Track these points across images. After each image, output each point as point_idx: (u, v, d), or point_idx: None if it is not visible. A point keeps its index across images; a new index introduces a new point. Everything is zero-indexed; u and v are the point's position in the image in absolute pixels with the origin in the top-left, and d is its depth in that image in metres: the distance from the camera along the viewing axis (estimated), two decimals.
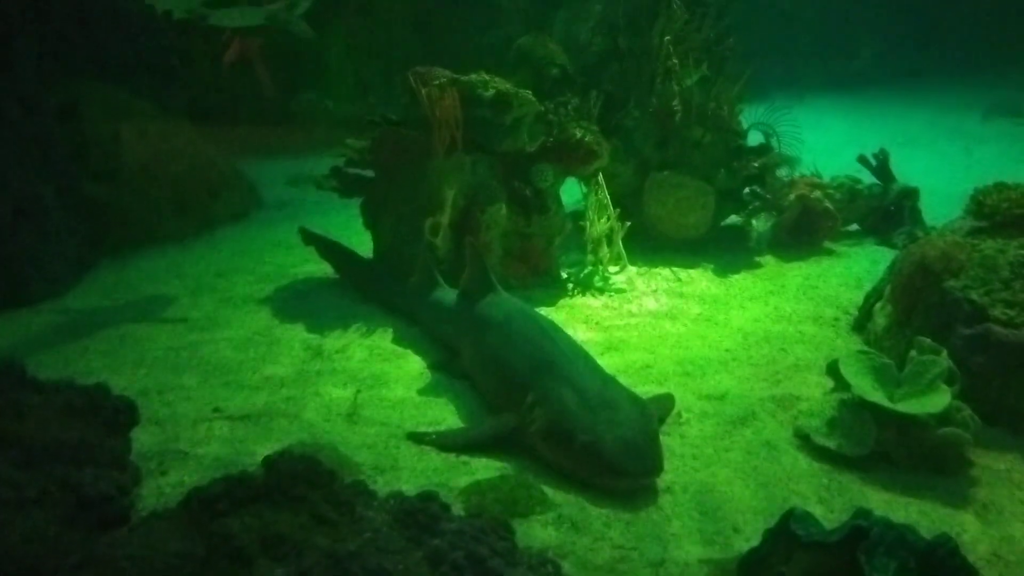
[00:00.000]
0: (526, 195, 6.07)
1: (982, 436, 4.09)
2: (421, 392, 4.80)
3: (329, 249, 6.52)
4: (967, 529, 3.54)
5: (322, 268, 6.58)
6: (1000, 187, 5.23)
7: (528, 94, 6.00)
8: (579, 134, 6.15)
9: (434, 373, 5.00)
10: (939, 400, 4.00)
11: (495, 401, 4.50)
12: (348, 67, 10.13)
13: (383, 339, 5.46)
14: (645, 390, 4.66)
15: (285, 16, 6.14)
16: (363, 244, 6.50)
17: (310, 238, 6.58)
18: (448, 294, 5.29)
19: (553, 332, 4.72)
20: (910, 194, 7.45)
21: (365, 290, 6.13)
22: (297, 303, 6.06)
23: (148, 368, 5.05)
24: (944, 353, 4.23)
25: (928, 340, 4.36)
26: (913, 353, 4.32)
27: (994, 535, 3.53)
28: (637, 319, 5.78)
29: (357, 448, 4.19)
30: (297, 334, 5.55)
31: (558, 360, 4.33)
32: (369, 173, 6.34)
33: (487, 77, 6.00)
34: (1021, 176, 8.98)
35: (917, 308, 4.79)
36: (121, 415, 3.62)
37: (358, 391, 4.78)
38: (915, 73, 14.93)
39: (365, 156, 6.24)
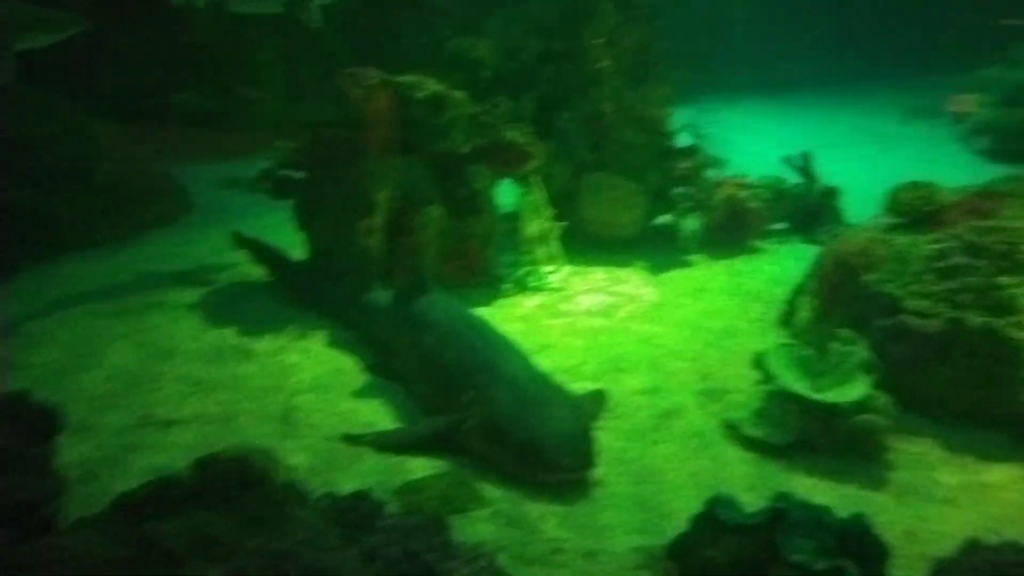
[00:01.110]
0: (461, 196, 6.11)
1: (899, 422, 4.26)
2: (357, 394, 4.81)
3: (262, 252, 6.46)
4: (883, 510, 3.71)
5: (255, 272, 6.51)
6: (913, 186, 5.45)
7: (461, 96, 6.04)
8: (512, 136, 6.21)
9: (370, 375, 5.01)
10: (858, 389, 4.17)
11: (431, 401, 4.53)
12: (280, 68, 10.02)
13: (318, 342, 5.44)
14: (579, 386, 4.75)
15: (300, 5, 6.29)
16: (296, 247, 6.45)
17: (242, 242, 6.51)
18: (383, 296, 5.29)
19: (488, 332, 4.78)
20: (831, 193, 7.71)
21: (299, 293, 6.08)
22: (229, 307, 5.99)
23: (72, 375, 4.94)
24: (863, 344, 4.41)
25: (848, 331, 4.54)
26: (834, 344, 4.49)
27: (908, 515, 3.71)
28: (572, 317, 5.87)
29: (292, 451, 4.18)
30: (229, 338, 5.49)
31: (493, 359, 4.40)
32: (302, 175, 6.29)
33: (420, 78, 6.02)
34: (935, 175, 9.37)
35: (838, 301, 4.98)
36: (43, 422, 3.54)
37: (292, 394, 4.76)
38: (840, 78, 15.39)
39: (298, 158, 6.19)
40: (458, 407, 4.18)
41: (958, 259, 4.64)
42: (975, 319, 4.36)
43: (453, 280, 5.97)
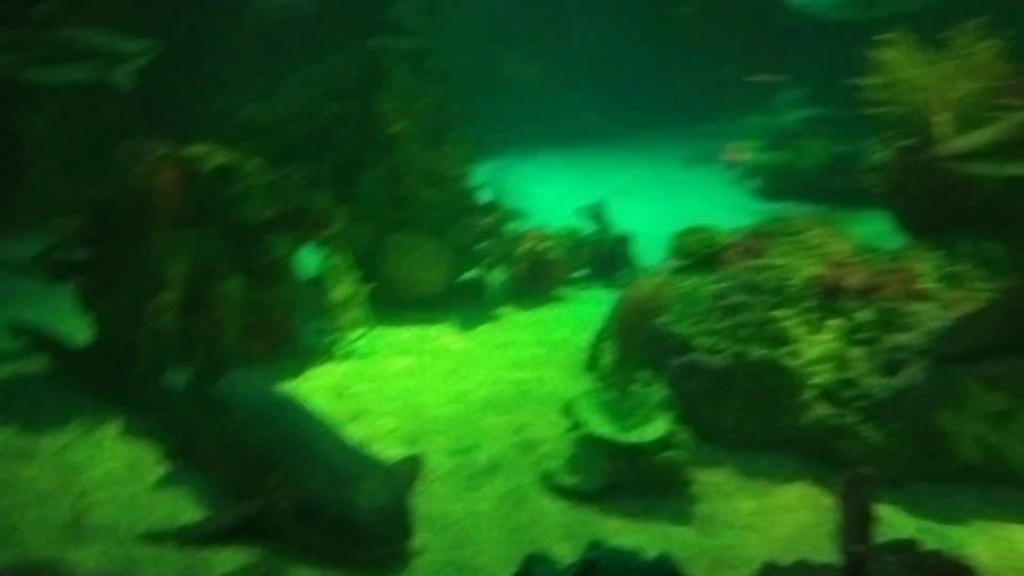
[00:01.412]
0: (260, 266, 5.92)
1: (699, 454, 4.51)
2: (156, 486, 4.49)
3: (42, 340, 5.95)
4: (690, 543, 3.89)
5: (35, 363, 5.96)
6: (693, 230, 5.88)
7: (254, 164, 5.90)
8: (310, 201, 6.12)
9: (170, 464, 4.69)
10: (658, 427, 4.38)
11: (238, 487, 4.29)
12: (58, 142, 9.38)
13: (110, 434, 5.04)
14: (394, 453, 4.68)
15: (110, 71, 5.99)
16: (81, 331, 5.98)
17: (21, 330, 5.99)
18: (180, 378, 4.99)
19: (295, 407, 4.63)
20: (624, 240, 8.16)
21: (87, 382, 5.63)
22: (5, 404, 5.43)
23: None
24: (660, 383, 4.65)
25: (646, 372, 4.78)
26: (635, 386, 4.71)
27: (713, 545, 3.90)
28: (383, 381, 5.80)
29: (83, 558, 3.83)
30: (6, 439, 4.97)
31: (301, 436, 4.25)
32: (84, 255, 5.86)
33: (209, 149, 5.82)
34: (717, 216, 10.11)
35: (635, 344, 5.23)
36: None
37: (82, 494, 4.37)
38: (626, 129, 16.41)
39: (79, 237, 5.78)
40: (267, 490, 3.99)
41: (737, 297, 5.00)
42: (756, 352, 4.71)
43: (256, 354, 5.74)
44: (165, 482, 4.52)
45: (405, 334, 6.64)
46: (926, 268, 4.85)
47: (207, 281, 5.59)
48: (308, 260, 6.60)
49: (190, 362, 5.02)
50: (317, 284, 6.46)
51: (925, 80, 5.15)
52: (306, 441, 4.19)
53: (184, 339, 5.33)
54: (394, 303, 6.96)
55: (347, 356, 6.19)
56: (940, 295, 4.62)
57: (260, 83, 8.24)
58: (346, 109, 7.48)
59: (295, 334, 6.24)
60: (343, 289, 6.25)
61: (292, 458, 4.07)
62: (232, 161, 5.81)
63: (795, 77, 13.43)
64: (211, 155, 5.78)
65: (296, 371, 5.93)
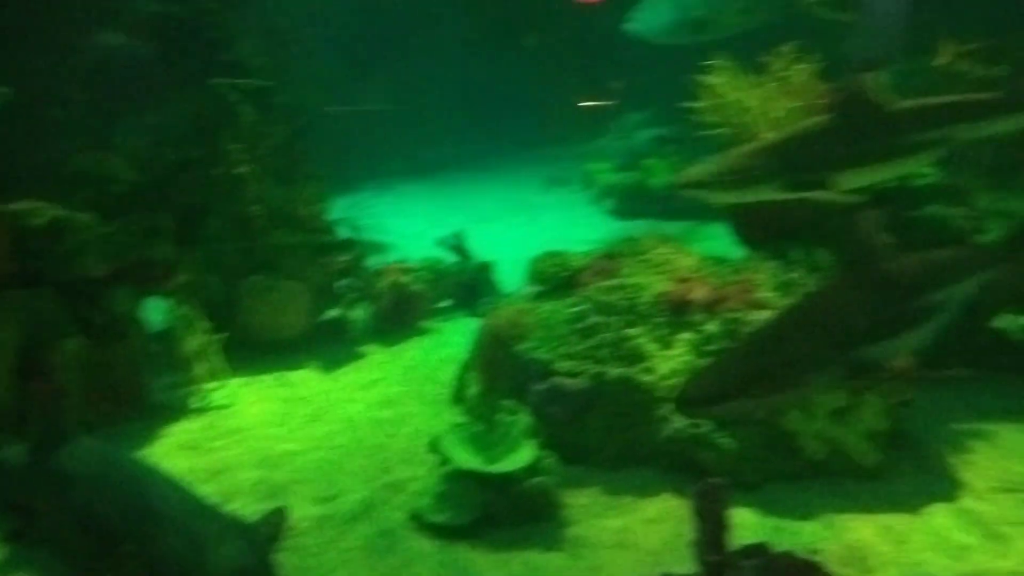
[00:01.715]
0: (101, 323, 5.59)
1: (566, 477, 4.56)
2: None
3: None
4: (563, 569, 3.92)
5: None
6: (549, 255, 5.98)
7: (87, 217, 5.59)
8: (153, 252, 5.86)
9: (9, 547, 4.34)
10: (525, 454, 4.40)
11: (87, 565, 4.01)
12: None
13: None
14: (257, 508, 4.49)
15: None
16: None
17: None
18: (14, 452, 4.62)
19: (145, 472, 4.36)
20: (486, 267, 8.22)
21: None
22: None
23: None
24: (524, 410, 4.69)
25: (510, 401, 4.80)
26: (500, 415, 4.72)
27: (584, 567, 3.95)
28: (243, 434, 5.58)
29: None
30: None
31: (153, 502, 4.01)
32: None
33: (36, 204, 5.47)
34: (576, 237, 10.36)
35: (499, 374, 5.25)
36: None
37: None
38: (485, 156, 16.64)
39: None
40: (118, 563, 3.75)
41: (593, 318, 5.12)
42: (613, 371, 4.83)
43: (103, 417, 5.41)
44: (5, 568, 4.18)
45: (265, 381, 6.42)
46: (764, 278, 5.12)
47: (41, 345, 5.25)
48: (155, 313, 6.30)
49: (26, 435, 4.67)
50: (166, 337, 6.18)
51: (750, 101, 5.46)
52: (158, 507, 3.95)
53: (19, 410, 4.97)
54: (253, 350, 6.74)
55: (203, 410, 5.93)
56: (777, 303, 4.88)
57: (94, 129, 7.81)
58: (188, 153, 7.21)
59: (145, 392, 5.93)
60: (194, 340, 6.00)
61: (143, 527, 3.83)
62: (63, 215, 5.48)
63: (635, 100, 14.02)
64: (40, 210, 5.43)
65: (149, 431, 5.62)
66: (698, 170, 4.70)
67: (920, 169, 5.96)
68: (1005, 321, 6.36)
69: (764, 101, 5.39)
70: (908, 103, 4.62)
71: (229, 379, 6.19)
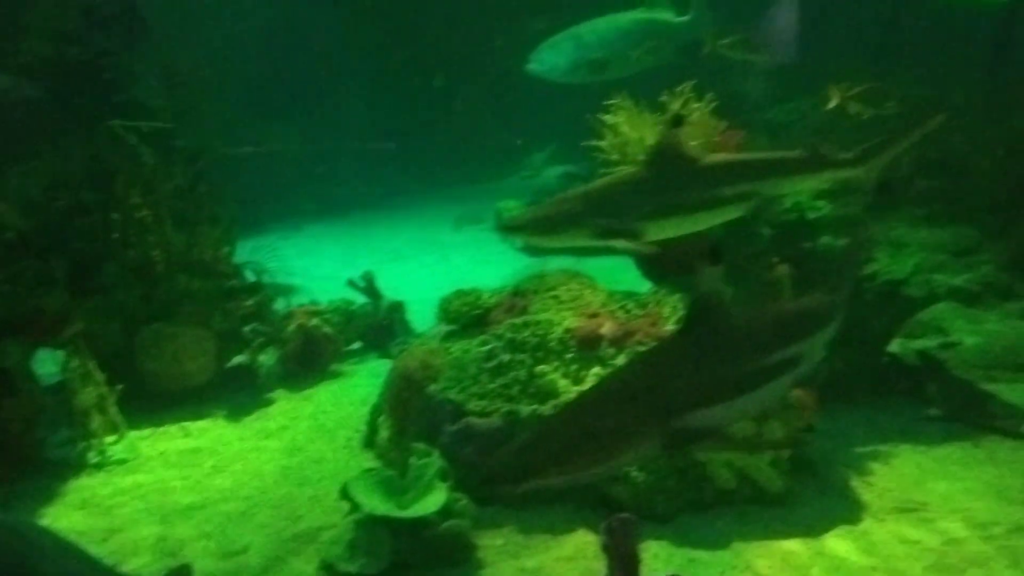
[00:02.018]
0: None
1: (481, 519, 4.51)
2: None
3: None
4: None
5: None
6: (459, 293, 5.98)
7: None
8: (43, 302, 5.59)
9: None
10: (437, 498, 4.35)
11: None
12: None
13: None
14: (159, 567, 4.30)
15: None
16: None
17: None
18: None
19: (37, 535, 4.12)
20: (397, 307, 8.15)
21: None
22: None
23: None
24: (436, 453, 4.63)
25: (422, 444, 4.75)
26: (413, 459, 4.65)
27: None
28: (144, 489, 5.33)
29: None
30: None
31: (42, 567, 3.79)
32: None
33: None
34: (488, 275, 10.38)
35: (410, 416, 5.16)
36: None
37: None
38: (395, 194, 16.59)
39: None
40: None
41: (503, 356, 5.13)
42: (526, 408, 4.83)
43: None
44: None
45: (167, 432, 6.17)
46: (669, 311, 5.22)
47: None
48: (48, 365, 6.01)
49: None
50: (61, 390, 5.89)
51: (650, 139, 5.60)
52: (48, 572, 3.74)
53: None
54: (154, 400, 6.48)
55: (100, 465, 5.65)
56: None
57: None
58: (84, 197, 6.94)
59: (39, 448, 5.63)
60: (90, 393, 5.73)
61: None
62: None
63: (540, 138, 14.28)
64: None
65: (43, 489, 5.33)
66: (518, 216, 4.93)
67: (813, 202, 6.23)
68: (897, 346, 6.65)
69: None
70: (718, 157, 4.93)
71: (128, 432, 5.93)
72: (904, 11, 11.40)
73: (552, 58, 8.70)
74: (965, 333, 7.07)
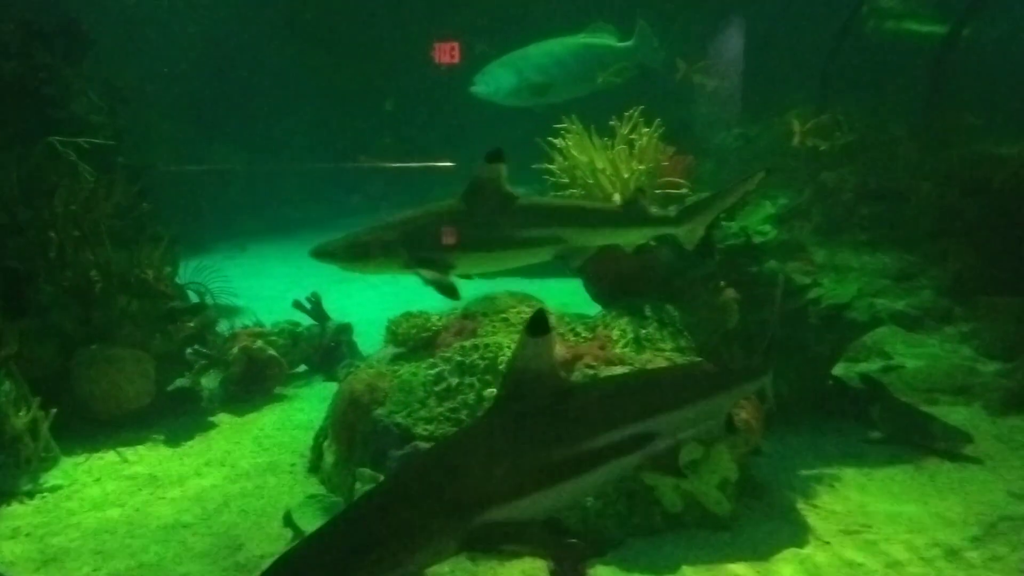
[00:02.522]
0: None
1: None
2: None
3: None
4: None
5: None
6: (407, 315, 5.90)
7: None
8: None
9: None
10: None
11: None
12: None
13: None
14: None
15: None
16: None
17: None
18: None
19: None
20: (344, 329, 8.04)
21: None
22: None
23: None
24: (381, 479, 4.54)
25: (368, 470, 4.66)
26: (358, 485, 4.56)
27: None
28: (79, 517, 5.12)
29: None
30: None
31: None
32: None
33: None
34: (437, 298, 10.30)
35: (356, 441, 5.09)
36: None
37: None
38: (343, 214, 16.45)
39: None
40: None
41: (452, 380, 5.07)
42: None
43: None
44: None
45: (105, 458, 5.96)
46: (617, 333, 5.23)
47: None
48: None
49: None
50: None
51: (600, 162, 5.63)
52: None
53: None
54: (90, 425, 6.27)
55: (33, 493, 5.42)
56: (631, 358, 4.99)
57: None
58: (18, 215, 6.72)
59: None
60: (22, 418, 5.52)
61: None
62: None
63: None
64: None
65: None
66: (331, 242, 4.95)
67: (759, 227, 6.33)
68: (841, 369, 6.78)
69: (614, 163, 5.57)
70: (537, 199, 5.12)
71: (63, 457, 5.73)
72: (844, 42, 11.74)
73: (495, 81, 8.76)
74: (907, 356, 7.25)
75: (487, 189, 4.61)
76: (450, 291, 4.65)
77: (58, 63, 9.17)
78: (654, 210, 4.95)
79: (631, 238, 5.07)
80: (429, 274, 4.58)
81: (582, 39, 8.94)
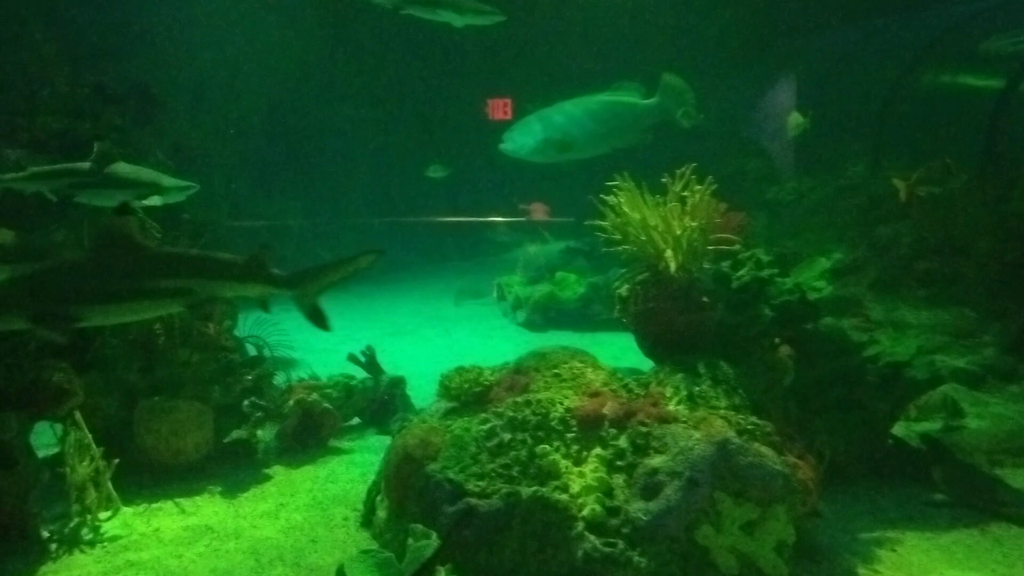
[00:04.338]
0: None
1: None
2: None
3: None
4: None
5: None
6: (460, 370, 5.96)
7: None
8: (44, 374, 5.57)
9: None
10: None
11: None
12: None
13: None
14: None
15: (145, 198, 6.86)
16: None
17: None
18: None
19: None
20: (398, 383, 8.12)
21: None
22: None
23: None
24: (434, 535, 4.55)
25: (420, 526, 4.66)
26: (410, 541, 4.57)
27: None
28: (136, 567, 5.22)
29: None
30: None
31: None
32: None
33: None
34: (491, 350, 10.38)
35: (409, 495, 5.11)
36: None
37: None
38: (398, 268, 16.71)
39: None
40: None
41: (504, 435, 5.08)
42: (527, 490, 4.76)
43: None
44: None
45: (163, 509, 6.07)
46: (670, 391, 5.20)
47: None
48: (44, 437, 5.96)
49: None
50: (57, 463, 5.83)
51: (653, 219, 5.67)
52: None
53: None
54: (150, 476, 6.41)
55: (94, 542, 5.54)
56: (685, 416, 4.95)
57: None
58: None
59: (31, 523, 5.52)
60: (86, 468, 5.67)
61: None
62: None
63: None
64: None
65: (33, 566, 5.21)
66: None
67: (813, 283, 6.28)
68: (902, 428, 6.61)
69: (666, 220, 5.61)
70: (165, 250, 5.27)
71: (123, 508, 5.85)
72: (897, 95, 11.69)
73: (521, 138, 8.93)
74: (970, 416, 7.03)
75: (115, 240, 4.65)
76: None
77: (130, 124, 9.61)
78: (274, 270, 4.98)
79: (250, 292, 5.09)
80: (47, 331, 4.51)
81: (604, 97, 9.05)
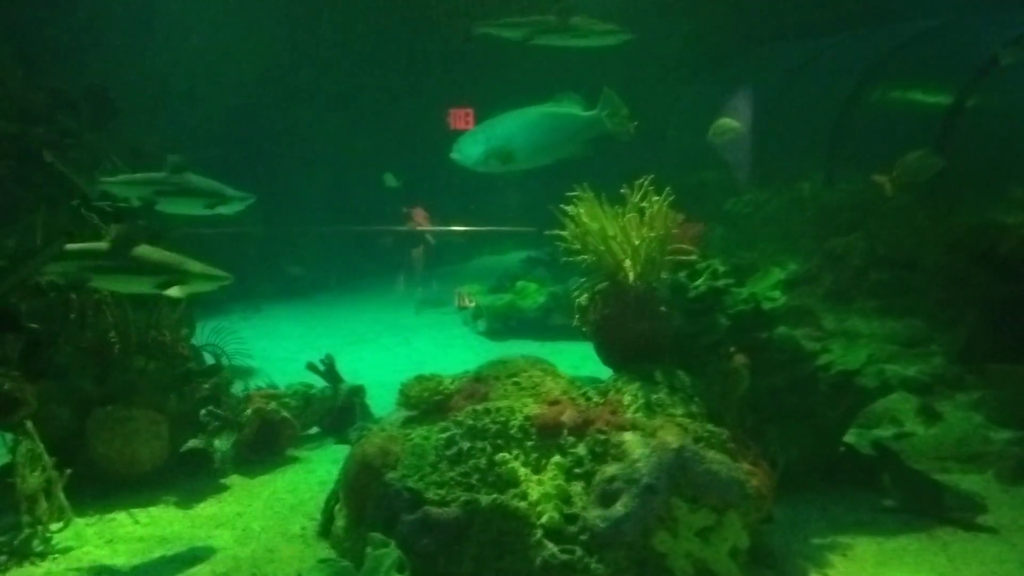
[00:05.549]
0: None
1: None
2: None
3: None
4: None
5: None
6: (420, 379, 5.95)
7: None
8: None
9: None
10: None
11: None
12: None
13: None
14: None
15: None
16: None
17: None
18: None
19: None
20: (357, 391, 8.09)
21: None
22: None
23: None
24: (393, 544, 4.55)
25: (379, 535, 4.66)
26: (369, 549, 4.57)
27: None
28: None
29: None
30: None
31: None
32: None
33: None
34: (450, 359, 10.38)
35: (367, 504, 5.10)
36: None
37: None
38: (358, 277, 16.63)
39: None
40: None
41: (464, 444, 5.10)
42: (486, 498, 4.77)
43: None
44: None
45: (117, 519, 5.97)
46: (628, 398, 5.27)
47: None
48: None
49: None
50: (6, 474, 5.71)
51: (612, 230, 5.74)
52: None
53: None
54: (103, 486, 6.30)
55: (44, 555, 5.44)
56: (642, 423, 5.02)
57: None
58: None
59: None
60: (37, 478, 5.55)
61: None
62: None
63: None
64: None
65: None
66: None
67: (768, 293, 6.40)
68: (853, 436, 6.77)
69: (624, 230, 5.67)
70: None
71: (75, 518, 5.74)
72: (851, 110, 11.97)
73: (467, 148, 9.00)
74: (918, 424, 7.23)
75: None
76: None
77: (85, 128, 9.47)
78: None
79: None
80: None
81: (544, 109, 9.15)
